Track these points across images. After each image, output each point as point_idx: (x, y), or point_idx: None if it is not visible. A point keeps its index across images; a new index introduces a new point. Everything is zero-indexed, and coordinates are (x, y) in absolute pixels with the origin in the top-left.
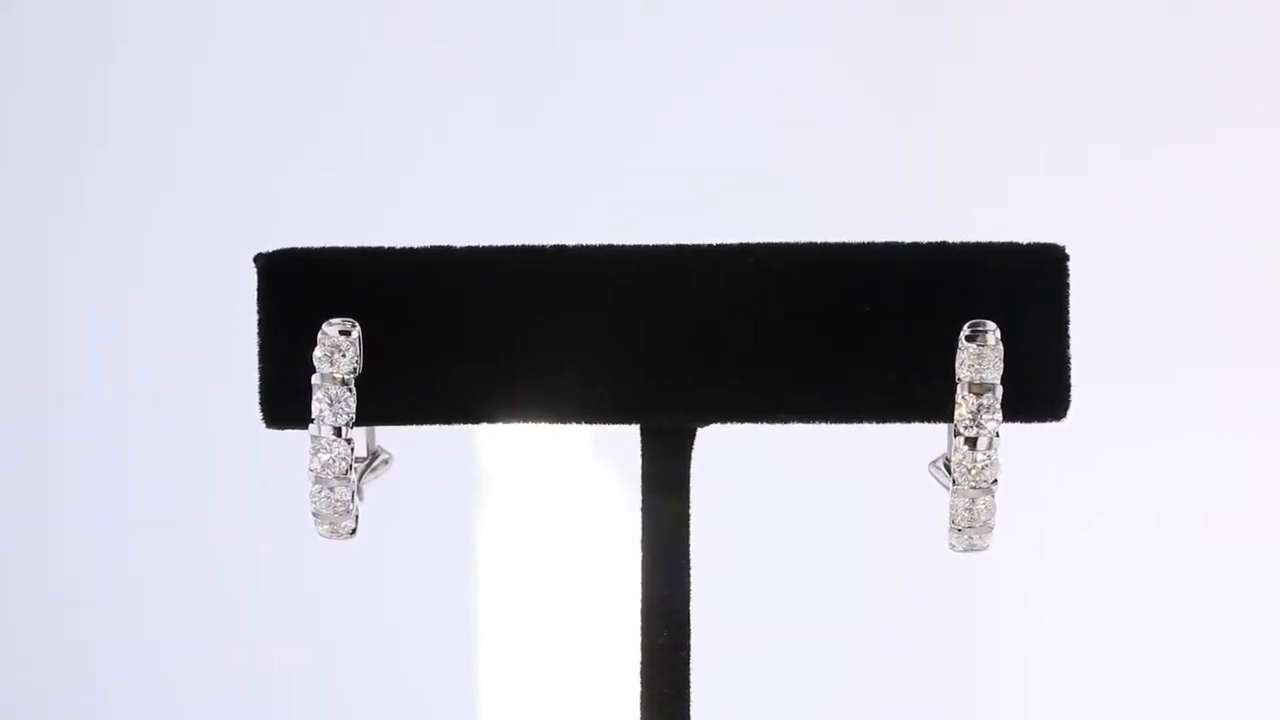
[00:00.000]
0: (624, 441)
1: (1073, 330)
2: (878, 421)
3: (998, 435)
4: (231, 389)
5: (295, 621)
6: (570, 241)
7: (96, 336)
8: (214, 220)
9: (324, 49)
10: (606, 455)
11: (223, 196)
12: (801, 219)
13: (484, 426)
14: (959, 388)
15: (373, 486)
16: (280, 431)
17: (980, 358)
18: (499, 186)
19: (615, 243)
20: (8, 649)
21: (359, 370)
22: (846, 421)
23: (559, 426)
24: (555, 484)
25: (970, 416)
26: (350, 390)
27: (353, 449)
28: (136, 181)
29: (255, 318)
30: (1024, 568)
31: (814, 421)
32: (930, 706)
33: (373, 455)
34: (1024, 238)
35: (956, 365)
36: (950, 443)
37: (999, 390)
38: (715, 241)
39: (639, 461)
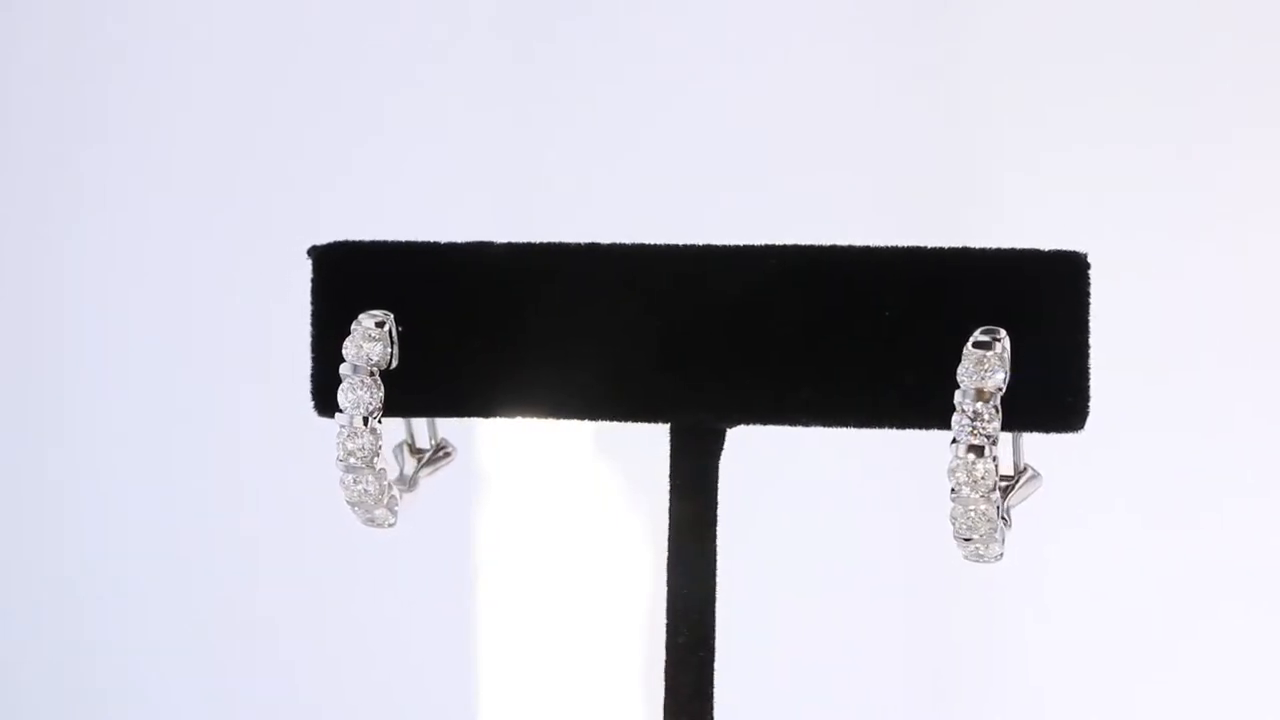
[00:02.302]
0: (624, 441)
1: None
2: (896, 427)
3: (994, 443)
4: (231, 386)
5: (294, 619)
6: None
7: (97, 334)
8: (211, 219)
9: (324, 47)
10: (606, 454)
11: (222, 195)
12: (823, 221)
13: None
14: (957, 393)
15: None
16: (274, 427)
17: (981, 364)
18: (500, 186)
19: (644, 241)
20: (10, 648)
21: (393, 362)
22: (866, 426)
23: (570, 424)
24: (555, 483)
25: (968, 423)
26: (377, 381)
27: (379, 439)
28: (134, 180)
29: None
30: (1050, 574)
31: (834, 425)
32: (953, 710)
33: (437, 448)
34: (1057, 244)
35: (958, 371)
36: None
37: (998, 398)
38: (737, 243)
39: (659, 461)
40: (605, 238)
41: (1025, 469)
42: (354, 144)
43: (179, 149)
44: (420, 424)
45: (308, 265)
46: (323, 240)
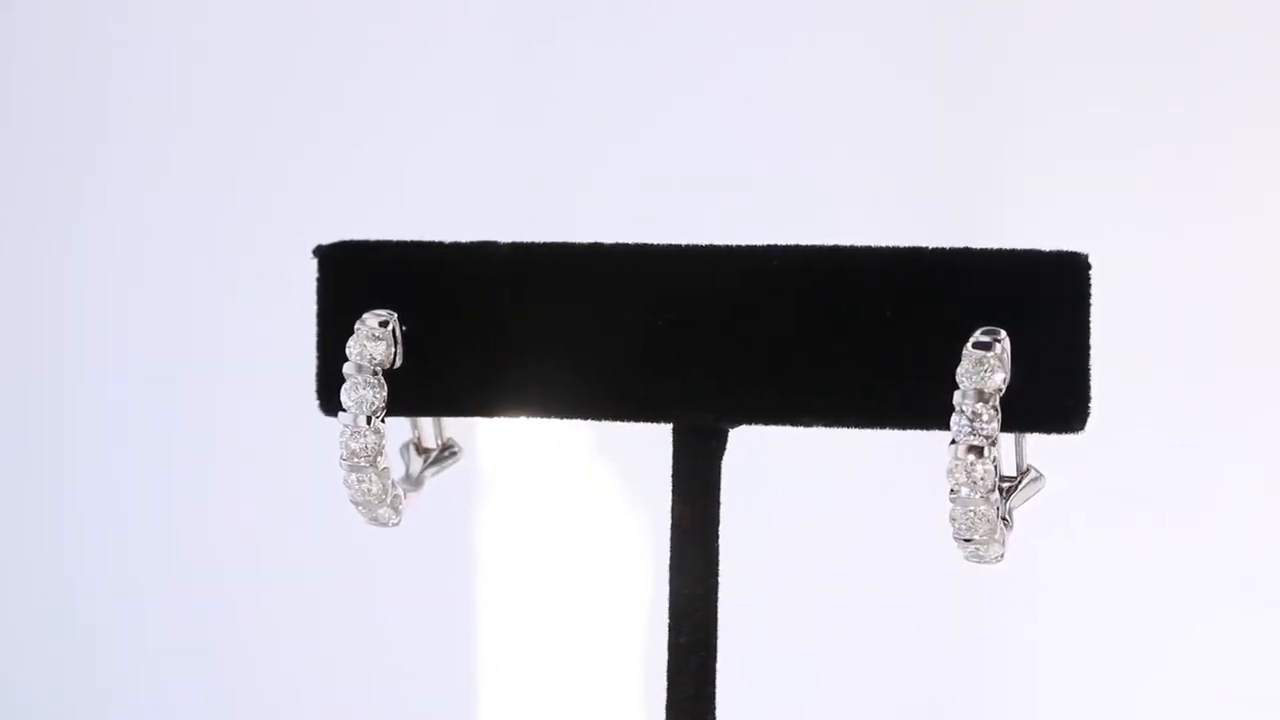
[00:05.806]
0: (624, 442)
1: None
2: (898, 428)
3: (993, 444)
4: (231, 386)
5: (294, 619)
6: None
7: (97, 334)
8: (211, 219)
9: (324, 47)
10: (606, 454)
11: (222, 195)
12: (823, 222)
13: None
14: (956, 394)
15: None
16: (274, 427)
17: (981, 364)
18: (500, 186)
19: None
20: (10, 648)
21: (397, 362)
22: (867, 426)
23: (570, 424)
24: (555, 483)
25: (967, 424)
26: (380, 380)
27: (382, 439)
28: (134, 180)
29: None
30: (1052, 575)
31: (836, 426)
32: (957, 712)
33: (444, 448)
34: (1058, 243)
35: (958, 371)
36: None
37: (997, 398)
38: (737, 243)
39: (659, 461)
40: (605, 238)
41: (1028, 470)
42: (354, 144)
43: (179, 149)
44: (427, 423)
45: (308, 265)
46: (326, 240)
